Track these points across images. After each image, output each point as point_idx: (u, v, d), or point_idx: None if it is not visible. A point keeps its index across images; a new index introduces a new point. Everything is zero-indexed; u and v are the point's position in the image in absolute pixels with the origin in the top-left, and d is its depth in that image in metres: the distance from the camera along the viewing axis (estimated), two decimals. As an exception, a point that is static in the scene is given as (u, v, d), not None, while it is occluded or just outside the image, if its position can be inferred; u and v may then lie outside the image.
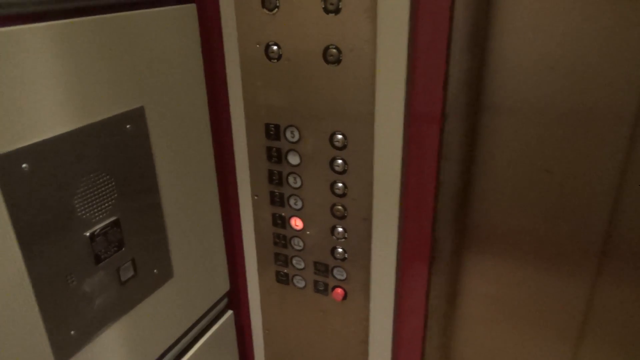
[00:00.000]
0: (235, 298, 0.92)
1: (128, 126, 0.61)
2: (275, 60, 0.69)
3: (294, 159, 0.74)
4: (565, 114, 0.60)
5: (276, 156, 0.75)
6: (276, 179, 0.77)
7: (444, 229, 0.71)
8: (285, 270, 0.84)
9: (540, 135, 0.63)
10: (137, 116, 0.62)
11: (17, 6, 0.49)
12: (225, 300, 0.90)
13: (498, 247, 0.71)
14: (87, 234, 0.58)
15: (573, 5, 0.56)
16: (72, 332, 0.58)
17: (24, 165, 0.49)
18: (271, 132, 0.74)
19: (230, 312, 0.91)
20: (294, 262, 0.82)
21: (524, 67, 0.60)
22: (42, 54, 0.50)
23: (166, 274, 0.73)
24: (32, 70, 0.49)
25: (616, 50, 0.56)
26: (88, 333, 0.61)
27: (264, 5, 0.66)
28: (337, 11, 0.62)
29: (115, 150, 0.60)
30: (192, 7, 0.70)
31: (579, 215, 0.64)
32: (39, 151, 0.51)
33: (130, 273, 0.65)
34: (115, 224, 0.61)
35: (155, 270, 0.70)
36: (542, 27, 0.58)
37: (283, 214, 0.79)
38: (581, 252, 0.66)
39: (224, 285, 0.89)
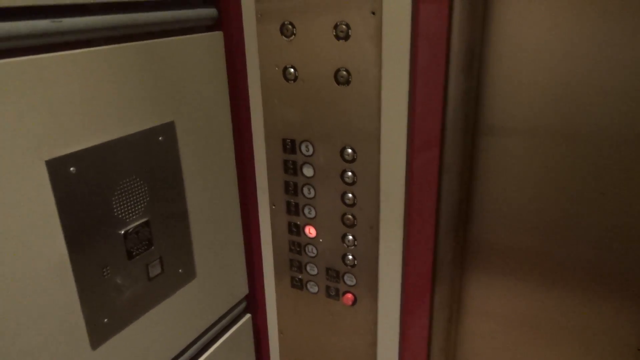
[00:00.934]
0: (253, 302, 0.98)
1: (160, 138, 0.69)
2: (292, 82, 0.76)
3: (308, 171, 0.81)
4: (563, 133, 0.65)
5: (292, 168, 0.82)
6: (292, 189, 0.84)
7: (446, 237, 0.76)
8: (300, 276, 0.90)
9: (539, 153, 0.68)
10: (168, 129, 0.70)
11: (69, 34, 0.57)
12: (243, 304, 0.97)
13: (499, 261, 0.76)
14: (122, 231, 0.65)
15: (568, 25, 0.61)
16: (106, 320, 0.65)
17: (71, 169, 0.57)
18: (288, 146, 0.81)
19: (248, 316, 0.97)
20: (307, 268, 0.88)
21: (518, 87, 0.66)
22: (90, 75, 0.59)
23: (190, 274, 0.80)
24: (81, 88, 0.58)
25: (612, 70, 0.60)
26: (118, 323, 0.68)
27: (282, 33, 0.74)
28: (346, 38, 0.69)
29: (148, 159, 0.68)
30: (219, 34, 0.78)
31: (584, 232, 0.68)
32: (85, 157, 0.59)
33: (158, 270, 0.72)
34: (146, 224, 0.69)
35: (180, 270, 0.77)
36: (535, 49, 0.64)
37: (298, 222, 0.86)
38: (581, 269, 0.70)
39: (242, 289, 0.95)
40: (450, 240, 0.76)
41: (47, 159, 0.55)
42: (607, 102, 0.62)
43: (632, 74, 0.59)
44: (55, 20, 0.55)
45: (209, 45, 0.76)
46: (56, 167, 0.56)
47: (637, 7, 0.57)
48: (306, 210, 0.84)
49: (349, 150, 0.76)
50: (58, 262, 0.58)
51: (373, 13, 0.66)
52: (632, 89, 0.60)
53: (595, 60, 0.61)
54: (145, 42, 0.65)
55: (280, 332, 0.97)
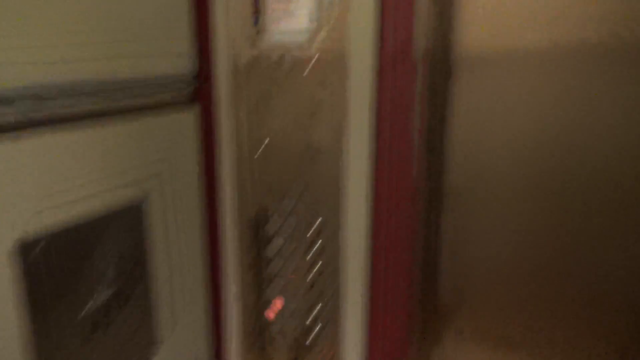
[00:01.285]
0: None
1: (129, 215, 0.70)
2: (263, 156, 0.79)
3: (277, 243, 0.82)
4: (532, 192, 0.67)
5: (262, 241, 0.84)
6: (261, 261, 0.85)
7: (414, 307, 0.77)
8: (266, 347, 0.89)
9: (507, 214, 0.70)
10: (138, 206, 0.72)
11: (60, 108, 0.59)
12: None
13: (473, 326, 0.77)
14: (87, 305, 0.65)
15: (534, 90, 0.64)
16: (65, 399, 0.64)
17: (39, 247, 0.58)
18: (257, 219, 0.83)
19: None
20: (274, 339, 0.88)
21: (483, 150, 0.70)
22: (62, 154, 0.60)
23: (153, 349, 0.79)
24: (53, 167, 0.59)
25: (580, 126, 0.63)
26: (78, 400, 0.66)
27: (256, 109, 0.78)
28: (313, 116, 0.73)
29: (117, 235, 0.68)
30: (196, 108, 0.81)
31: (560, 297, 0.70)
32: (53, 235, 0.59)
33: (122, 342, 0.71)
34: (113, 297, 0.69)
35: (144, 342, 0.76)
36: (500, 115, 0.67)
37: (266, 292, 0.86)
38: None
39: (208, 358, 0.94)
40: (419, 312, 0.78)
41: (16, 237, 0.55)
42: (580, 159, 0.64)
43: (596, 134, 0.62)
44: (36, 102, 0.57)
45: (184, 120, 0.79)
46: (25, 246, 0.56)
47: (603, 67, 0.60)
48: (275, 281, 0.85)
49: (317, 222, 0.78)
50: (19, 334, 0.57)
51: (338, 92, 0.71)
52: (592, 148, 0.63)
53: (562, 123, 0.63)
54: (118, 119, 0.68)
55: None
